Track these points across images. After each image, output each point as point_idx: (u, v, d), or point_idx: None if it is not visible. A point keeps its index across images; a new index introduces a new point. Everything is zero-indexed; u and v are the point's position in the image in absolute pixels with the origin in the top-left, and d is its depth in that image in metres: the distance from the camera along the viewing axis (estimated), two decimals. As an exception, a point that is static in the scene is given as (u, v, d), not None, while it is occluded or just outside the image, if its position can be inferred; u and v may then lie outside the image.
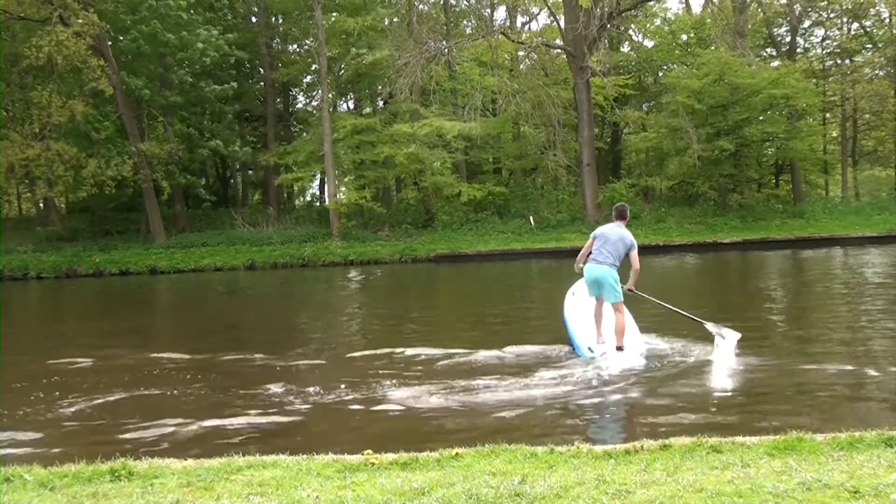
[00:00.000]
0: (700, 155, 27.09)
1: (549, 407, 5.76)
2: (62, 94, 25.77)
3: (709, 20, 33.46)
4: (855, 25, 34.13)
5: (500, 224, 28.38)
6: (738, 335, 7.42)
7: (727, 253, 23.83)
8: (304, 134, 34.09)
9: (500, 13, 37.08)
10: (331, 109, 29.91)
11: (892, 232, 25.30)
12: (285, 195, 37.35)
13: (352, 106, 36.37)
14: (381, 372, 7.15)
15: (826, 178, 37.56)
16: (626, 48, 36.91)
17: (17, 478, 3.75)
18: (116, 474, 3.75)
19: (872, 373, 6.57)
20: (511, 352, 7.83)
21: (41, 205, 32.82)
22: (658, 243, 25.02)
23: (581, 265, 8.11)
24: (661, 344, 7.90)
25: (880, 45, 33.20)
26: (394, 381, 6.64)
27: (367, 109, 33.87)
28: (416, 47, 27.00)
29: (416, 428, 5.39)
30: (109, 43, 27.01)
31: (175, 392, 6.71)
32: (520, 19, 37.08)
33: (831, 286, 14.12)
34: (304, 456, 4.04)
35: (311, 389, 6.47)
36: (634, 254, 7.57)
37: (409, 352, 8.10)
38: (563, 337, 8.10)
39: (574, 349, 7.68)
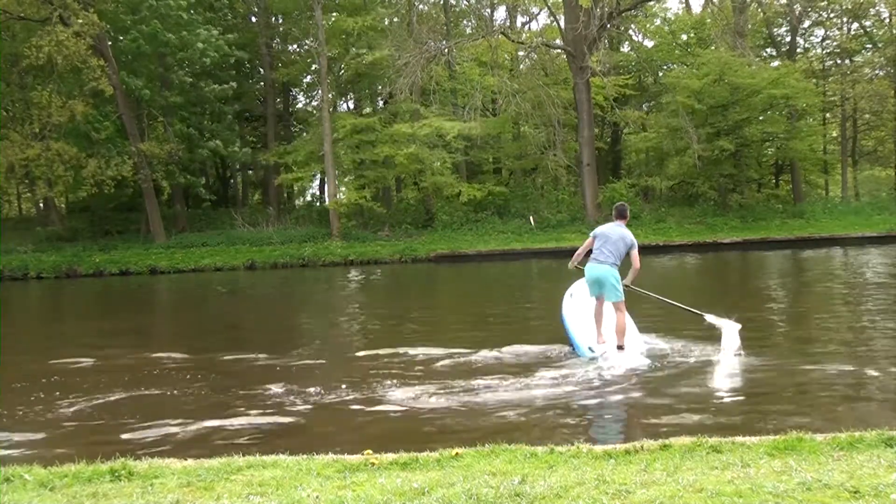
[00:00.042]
0: (700, 155, 27.09)
1: (549, 407, 5.75)
2: (62, 94, 25.77)
3: (709, 20, 33.45)
4: (855, 25, 34.13)
5: (500, 224, 28.38)
6: (738, 326, 7.43)
7: (727, 253, 23.84)
8: (304, 134, 34.09)
9: (500, 13, 37.14)
10: (331, 109, 29.91)
11: (892, 232, 25.30)
12: (285, 195, 37.36)
13: (352, 106, 36.37)
14: (381, 372, 7.15)
15: (826, 178, 37.56)
16: (626, 48, 36.92)
17: (17, 478, 3.75)
18: (116, 474, 3.75)
19: (872, 373, 6.57)
20: (511, 352, 7.82)
21: (41, 205, 32.82)
22: (658, 243, 25.02)
23: (576, 264, 8.11)
24: (661, 344, 7.90)
25: (880, 45, 33.20)
26: (394, 381, 6.64)
27: (367, 109, 33.88)
28: (416, 47, 27.00)
29: (416, 428, 5.39)
30: (109, 43, 27.02)
31: (175, 392, 6.71)
32: (520, 19, 37.14)
33: (831, 286, 14.12)
34: (304, 456, 4.04)
35: (311, 389, 6.47)
36: (635, 253, 7.56)
37: (409, 352, 8.10)
38: (563, 337, 8.10)
39: (574, 349, 7.68)
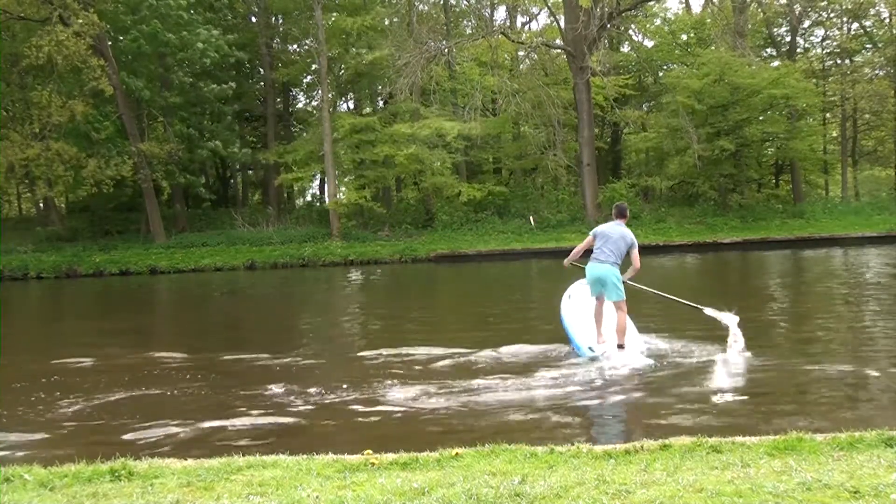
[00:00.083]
0: (700, 155, 27.09)
1: (550, 407, 5.75)
2: (62, 94, 25.78)
3: (709, 20, 33.47)
4: (855, 25, 34.13)
5: (500, 224, 28.39)
6: (736, 318, 7.46)
7: (727, 253, 23.83)
8: (304, 134, 34.10)
9: (500, 13, 37.15)
10: (331, 109, 29.91)
11: (892, 232, 25.30)
12: (285, 195, 37.37)
13: (352, 106, 36.38)
14: (381, 372, 7.15)
15: (826, 178, 37.57)
16: (626, 48, 36.93)
17: (17, 478, 3.75)
18: (116, 474, 3.75)
19: (872, 373, 6.57)
20: (511, 352, 7.82)
21: (41, 205, 32.83)
22: (658, 243, 25.02)
23: (573, 261, 8.11)
24: (660, 344, 7.90)
25: (880, 45, 33.20)
26: (394, 381, 6.64)
27: (367, 109, 33.89)
28: (416, 47, 27.00)
29: (416, 428, 5.39)
30: (109, 43, 27.02)
31: (175, 392, 6.72)
32: (520, 19, 37.15)
33: (831, 286, 14.12)
34: (304, 456, 4.04)
35: (311, 389, 6.47)
36: (635, 252, 7.57)
37: (409, 352, 8.10)
38: (563, 337, 8.10)
39: (575, 350, 7.67)
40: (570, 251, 8.25)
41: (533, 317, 11.34)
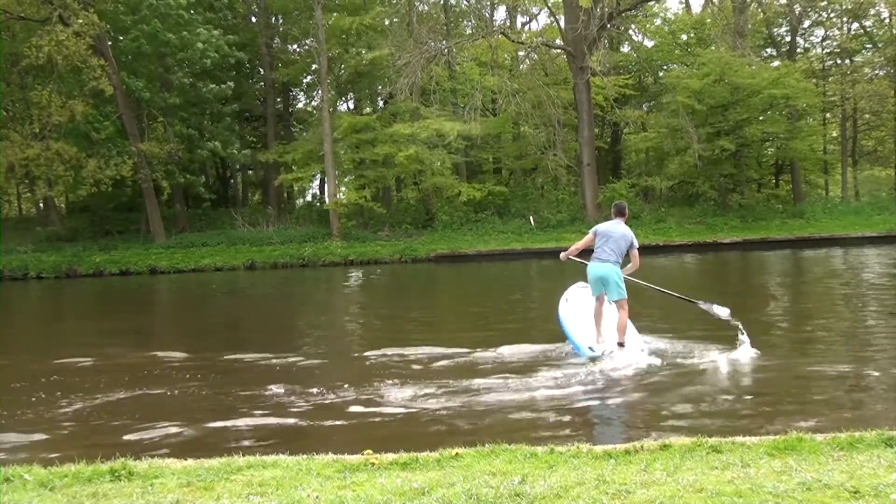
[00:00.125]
0: (700, 155, 27.09)
1: (550, 407, 5.75)
2: (62, 94, 25.78)
3: (709, 20, 33.47)
4: (855, 25, 34.13)
5: (500, 224, 28.39)
6: (727, 310, 7.60)
7: (727, 253, 23.83)
8: (304, 134, 34.11)
9: (500, 13, 37.14)
10: (331, 109, 29.92)
11: (892, 232, 25.29)
12: (285, 195, 37.38)
13: (352, 106, 36.39)
14: (381, 372, 7.15)
15: (826, 178, 37.57)
16: (626, 48, 36.92)
17: (17, 478, 3.75)
18: (116, 474, 3.75)
19: (872, 373, 6.57)
20: (511, 352, 7.82)
21: (41, 205, 32.84)
22: (658, 243, 25.02)
23: (572, 256, 8.11)
24: (661, 344, 7.90)
25: (880, 45, 33.20)
26: (394, 381, 6.64)
27: (367, 109, 33.89)
28: (416, 47, 27.00)
29: (416, 428, 5.39)
30: (109, 43, 27.03)
31: (175, 392, 6.72)
32: (520, 19, 37.14)
33: (831, 286, 14.12)
34: (304, 456, 4.04)
35: (311, 389, 6.47)
36: (635, 251, 7.59)
37: (409, 352, 8.10)
38: (563, 337, 8.10)
39: (575, 350, 7.68)
40: (567, 259, 8.27)
41: (533, 317, 11.34)
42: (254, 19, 33.33)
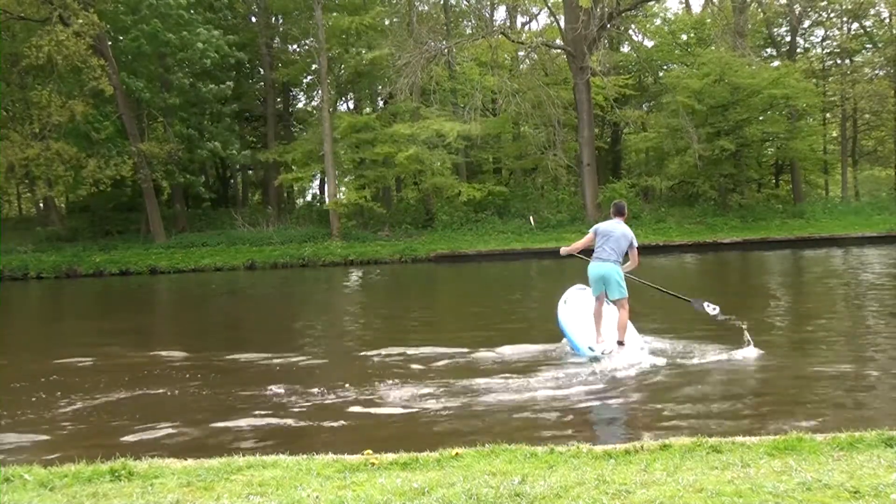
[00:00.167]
0: (700, 155, 27.09)
1: (549, 407, 5.76)
2: (62, 94, 25.79)
3: (709, 20, 33.48)
4: (855, 25, 34.14)
5: (500, 224, 28.39)
6: (717, 308, 7.78)
7: (727, 253, 23.84)
8: (304, 134, 34.11)
9: (500, 13, 37.16)
10: (331, 109, 29.92)
11: (892, 232, 25.30)
12: (285, 195, 37.38)
13: (352, 106, 36.40)
14: (381, 372, 7.15)
15: (826, 178, 37.58)
16: (626, 48, 36.92)
17: (17, 478, 3.75)
18: (116, 474, 3.75)
19: (872, 373, 6.57)
20: (511, 352, 7.83)
21: (41, 205, 32.84)
22: (658, 243, 25.02)
23: (573, 252, 8.11)
24: (661, 344, 7.90)
25: (880, 45, 33.21)
26: (394, 381, 6.64)
27: (367, 109, 33.90)
28: (416, 47, 27.00)
29: (416, 428, 5.39)
30: (109, 43, 27.03)
31: (175, 392, 6.71)
32: (520, 19, 37.15)
33: (831, 286, 14.12)
34: (304, 456, 4.04)
35: (311, 389, 6.47)
36: (635, 251, 7.61)
37: (409, 352, 8.10)
38: (563, 337, 8.10)
39: (575, 350, 7.68)
40: (568, 254, 8.27)
41: (533, 317, 11.34)
42: (254, 19, 33.33)
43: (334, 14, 31.14)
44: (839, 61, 34.97)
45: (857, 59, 34.49)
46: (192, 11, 27.15)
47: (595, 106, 30.46)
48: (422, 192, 30.98)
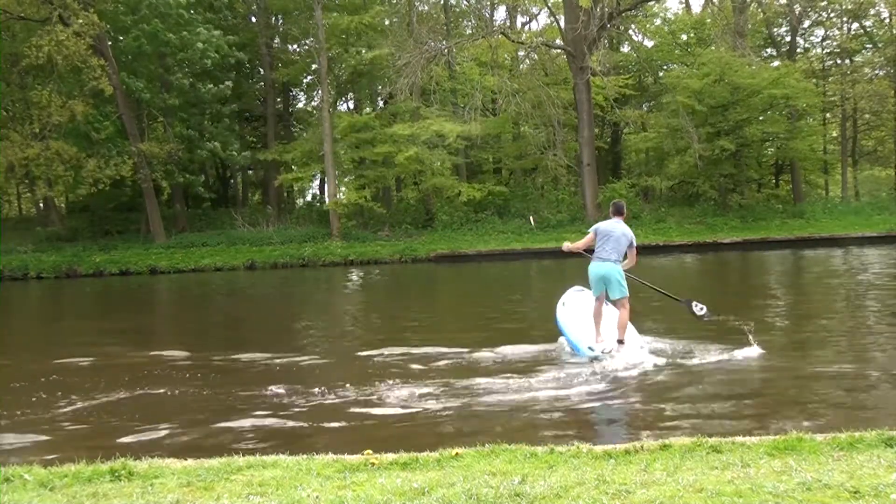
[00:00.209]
0: (700, 155, 27.10)
1: (549, 407, 5.76)
2: (62, 94, 25.80)
3: (709, 20, 33.47)
4: (855, 25, 34.14)
5: (500, 224, 28.39)
6: (704, 307, 7.93)
7: (727, 253, 23.83)
8: (304, 134, 34.12)
9: (500, 13, 37.16)
10: (331, 109, 29.92)
11: (892, 232, 25.29)
12: (285, 195, 37.38)
13: (352, 106, 36.39)
14: (381, 372, 7.15)
15: (826, 178, 37.58)
16: (626, 48, 36.93)
17: (17, 478, 3.75)
18: (116, 474, 3.75)
19: (873, 373, 6.57)
20: (511, 352, 7.83)
21: (41, 205, 32.85)
22: (658, 243, 25.02)
23: (576, 250, 8.12)
24: (661, 345, 7.90)
25: (880, 45, 33.21)
26: (394, 381, 6.64)
27: (367, 109, 33.90)
28: (416, 47, 27.01)
29: (416, 428, 5.39)
30: (109, 43, 27.03)
31: (175, 392, 6.71)
32: (520, 19, 37.16)
33: (831, 286, 14.12)
34: (304, 456, 4.04)
35: (311, 389, 6.47)
36: (633, 251, 7.63)
37: (409, 352, 8.10)
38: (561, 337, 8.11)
39: (574, 351, 7.68)
40: (569, 251, 8.29)
41: (533, 317, 11.33)
42: (254, 19, 33.33)
43: (334, 14, 31.15)
44: (839, 61, 34.97)
45: (857, 59, 34.49)
46: (192, 11, 27.15)
47: (595, 106, 30.47)
48: (422, 193, 30.98)
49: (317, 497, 3.32)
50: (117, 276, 24.51)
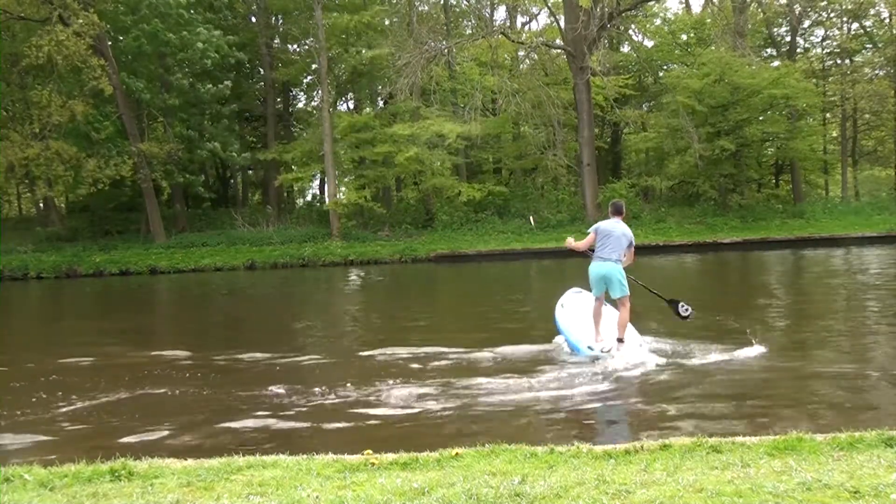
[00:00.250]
0: (700, 155, 27.10)
1: (549, 407, 5.76)
2: (62, 94, 25.79)
3: (709, 20, 33.48)
4: (855, 25, 34.15)
5: (500, 224, 28.40)
6: (689, 307, 8.05)
7: (727, 253, 23.83)
8: (304, 134, 34.12)
9: (500, 13, 37.16)
10: (331, 109, 29.92)
11: (892, 232, 25.30)
12: (285, 195, 37.37)
13: (352, 106, 36.39)
14: (381, 372, 7.15)
15: (826, 178, 37.59)
16: (626, 48, 36.93)
17: (17, 478, 3.75)
18: (116, 474, 3.75)
19: (873, 373, 6.56)
20: (511, 352, 7.83)
21: (41, 205, 32.84)
22: (658, 243, 25.02)
23: (578, 249, 8.13)
24: (661, 345, 7.90)
25: (880, 45, 33.21)
26: (394, 381, 6.64)
27: (367, 109, 33.90)
28: (416, 47, 27.01)
29: (416, 428, 5.39)
30: (109, 43, 27.03)
31: (175, 392, 6.71)
32: (520, 19, 37.17)
33: (831, 286, 14.12)
34: (304, 456, 4.04)
35: (311, 389, 6.47)
36: (632, 250, 7.68)
37: (410, 352, 8.10)
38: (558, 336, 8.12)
39: (574, 351, 7.68)
40: (569, 251, 8.29)
41: (533, 317, 11.33)
42: (254, 19, 33.32)
43: (334, 14, 31.15)
44: (839, 61, 34.97)
45: (857, 59, 34.50)
46: (192, 11, 27.15)
47: (595, 106, 30.47)
48: (422, 193, 30.98)
49: (317, 497, 3.32)
50: (117, 276, 24.51)
